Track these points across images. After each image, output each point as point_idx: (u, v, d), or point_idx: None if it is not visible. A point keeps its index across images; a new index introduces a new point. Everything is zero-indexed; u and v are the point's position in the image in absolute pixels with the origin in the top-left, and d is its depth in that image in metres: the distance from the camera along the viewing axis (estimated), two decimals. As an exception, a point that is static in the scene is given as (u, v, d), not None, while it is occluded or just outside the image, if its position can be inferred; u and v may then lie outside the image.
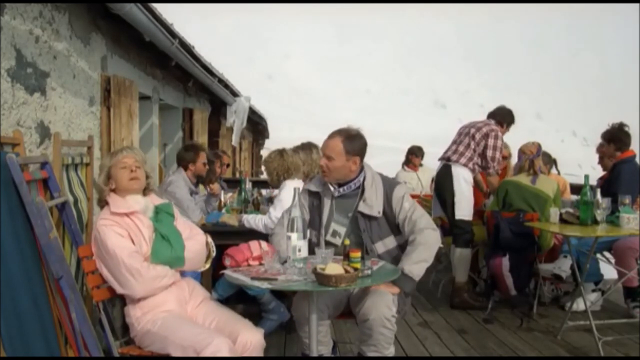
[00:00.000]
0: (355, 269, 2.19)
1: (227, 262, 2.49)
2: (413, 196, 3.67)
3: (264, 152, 14.22)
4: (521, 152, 4.37)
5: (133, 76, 4.60)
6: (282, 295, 3.75)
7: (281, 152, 3.80)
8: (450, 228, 4.59)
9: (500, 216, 4.18)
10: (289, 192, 2.84)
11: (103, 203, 2.55)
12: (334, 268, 2.12)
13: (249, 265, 2.49)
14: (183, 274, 2.59)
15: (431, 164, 6.16)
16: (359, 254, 2.26)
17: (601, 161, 4.34)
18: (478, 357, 3.48)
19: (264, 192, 5.54)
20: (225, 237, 3.45)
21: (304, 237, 2.36)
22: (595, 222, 3.54)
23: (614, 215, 3.55)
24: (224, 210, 4.19)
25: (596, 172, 4.42)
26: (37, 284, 2.48)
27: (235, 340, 2.29)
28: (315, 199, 2.82)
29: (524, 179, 4.23)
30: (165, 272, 2.44)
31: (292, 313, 2.71)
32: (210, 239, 2.70)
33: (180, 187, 4.00)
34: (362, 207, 2.70)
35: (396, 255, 2.70)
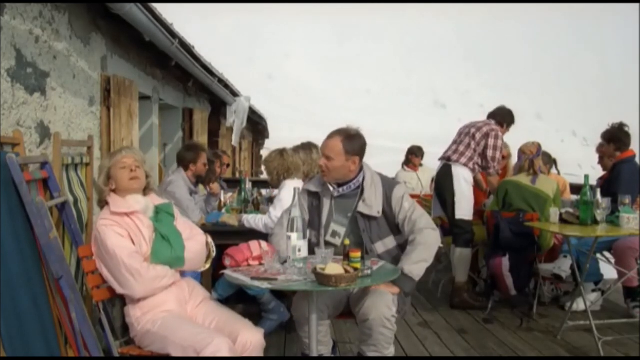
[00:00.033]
0: (355, 269, 2.19)
1: (227, 262, 2.49)
2: (413, 196, 3.67)
3: (264, 152, 14.22)
4: (521, 152, 4.37)
5: (133, 76, 4.60)
6: (282, 295, 3.75)
7: (281, 152, 3.80)
8: (450, 228, 4.59)
9: (500, 216, 4.18)
10: (289, 192, 2.84)
11: (103, 203, 2.55)
12: (334, 268, 2.12)
13: (249, 265, 2.49)
14: (183, 274, 2.59)
15: (431, 164, 6.16)
16: (359, 254, 2.26)
17: (601, 161, 4.35)
18: (478, 357, 3.48)
19: (264, 192, 5.54)
20: (225, 237, 3.45)
21: (304, 237, 2.37)
22: (595, 222, 3.54)
23: (614, 215, 3.55)
24: (224, 210, 4.19)
25: (596, 172, 4.42)
26: (37, 284, 2.48)
27: (235, 340, 2.29)
28: (314, 199, 2.81)
29: (524, 179, 4.23)
30: (165, 272, 2.44)
31: (292, 313, 2.71)
32: (210, 240, 2.70)
33: (180, 187, 4.01)
34: (362, 207, 2.70)
35: (396, 255, 2.70)
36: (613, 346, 3.54)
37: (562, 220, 3.72)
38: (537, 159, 4.26)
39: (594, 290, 4.31)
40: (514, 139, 4.79)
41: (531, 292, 4.39)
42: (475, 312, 4.36)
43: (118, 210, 2.46)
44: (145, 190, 2.61)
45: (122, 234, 2.41)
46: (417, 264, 2.57)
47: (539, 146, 4.35)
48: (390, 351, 2.53)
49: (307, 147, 3.97)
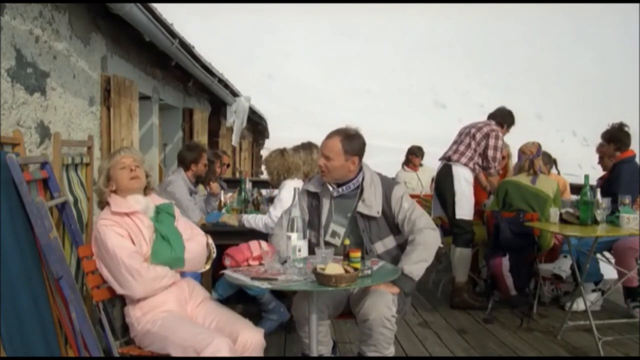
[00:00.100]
0: (355, 269, 2.19)
1: (227, 262, 2.49)
2: (413, 196, 3.67)
3: (264, 152, 14.21)
4: (521, 152, 4.37)
5: (133, 76, 4.60)
6: (282, 295, 3.75)
7: (282, 152, 3.81)
8: (451, 228, 4.59)
9: (500, 216, 4.18)
10: (289, 191, 2.84)
11: (104, 204, 2.55)
12: (334, 268, 2.12)
13: (249, 265, 2.49)
14: (183, 274, 2.59)
15: (431, 164, 6.16)
16: (359, 254, 2.26)
17: (601, 161, 4.35)
18: (478, 357, 3.48)
19: (264, 192, 5.54)
20: (225, 237, 3.45)
21: (304, 237, 2.37)
22: (595, 222, 3.54)
23: (614, 215, 3.55)
24: (224, 210, 4.19)
25: (596, 172, 4.42)
26: (37, 284, 2.48)
27: (235, 340, 2.29)
28: (314, 199, 2.81)
29: (524, 179, 4.23)
30: (165, 272, 2.44)
31: (292, 313, 2.71)
32: (210, 240, 2.70)
33: (180, 186, 4.01)
34: (361, 208, 2.70)
35: (396, 255, 2.70)
36: (613, 346, 3.54)
37: (562, 220, 3.72)
38: (537, 159, 4.26)
39: (594, 290, 4.31)
40: (514, 139, 4.79)
41: (531, 292, 4.38)
42: (475, 312, 4.36)
43: (119, 210, 2.46)
44: (146, 190, 2.61)
45: (122, 234, 2.41)
46: (417, 264, 2.57)
47: (539, 146, 4.35)
48: (390, 351, 2.53)
49: (308, 147, 3.97)
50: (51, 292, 2.56)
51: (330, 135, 2.71)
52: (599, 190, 3.56)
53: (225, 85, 7.27)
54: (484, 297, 4.51)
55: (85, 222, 3.23)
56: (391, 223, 2.73)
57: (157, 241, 2.47)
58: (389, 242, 2.73)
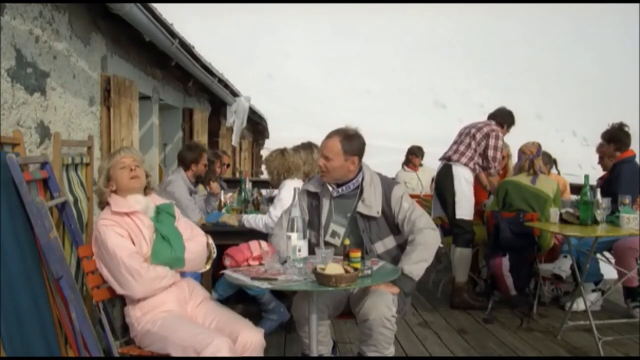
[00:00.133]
0: (355, 269, 2.19)
1: (227, 262, 2.49)
2: (413, 196, 3.67)
3: (264, 152, 14.21)
4: (521, 152, 4.37)
5: (133, 76, 4.60)
6: (282, 295, 3.75)
7: (282, 152, 3.81)
8: (451, 228, 4.59)
9: (500, 216, 4.18)
10: (289, 191, 2.84)
11: (104, 205, 2.55)
12: (334, 268, 2.12)
13: (249, 265, 2.49)
14: (183, 274, 2.59)
15: (431, 164, 6.16)
16: (359, 254, 2.26)
17: (601, 161, 4.35)
18: (478, 357, 3.48)
19: (264, 192, 5.55)
20: (225, 237, 3.44)
21: (304, 237, 2.37)
22: (595, 222, 3.54)
23: (614, 215, 3.55)
24: (224, 210, 4.19)
25: (596, 172, 4.42)
26: (37, 284, 2.48)
27: (235, 340, 2.29)
28: (314, 199, 2.81)
29: (524, 179, 4.23)
30: (165, 272, 2.44)
31: (292, 313, 2.71)
32: (211, 240, 2.70)
33: (180, 186, 4.01)
34: (361, 208, 2.70)
35: (396, 255, 2.70)
36: (613, 346, 3.54)
37: (562, 220, 3.72)
38: (537, 159, 4.26)
39: (594, 290, 4.31)
40: (514, 139, 4.79)
41: (531, 292, 4.38)
42: (475, 312, 4.36)
43: (119, 210, 2.46)
44: (146, 190, 2.61)
45: (122, 234, 2.41)
46: (417, 264, 2.57)
47: (539, 146, 4.35)
48: (390, 351, 2.53)
49: (308, 147, 3.97)
50: (51, 292, 2.56)
51: (329, 136, 2.71)
52: (599, 190, 3.56)
53: (225, 85, 7.27)
54: (484, 297, 4.51)
55: (85, 222, 3.23)
56: (391, 223, 2.72)
57: (157, 241, 2.47)
58: (389, 242, 2.73)
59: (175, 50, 4.68)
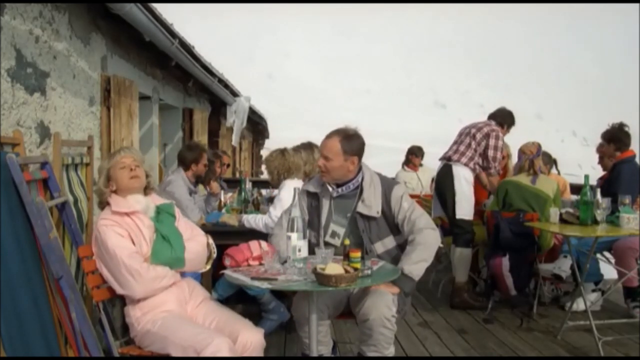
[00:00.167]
0: (355, 269, 2.19)
1: (227, 262, 2.49)
2: (413, 196, 3.66)
3: (264, 152, 14.22)
4: (521, 152, 4.37)
5: (133, 76, 4.60)
6: (282, 295, 3.75)
7: (282, 152, 3.81)
8: (451, 228, 4.59)
9: (500, 216, 4.18)
10: (289, 191, 2.84)
11: (104, 205, 2.55)
12: (334, 268, 2.12)
13: (249, 265, 2.49)
14: (183, 274, 2.59)
15: (431, 164, 6.16)
16: (359, 254, 2.26)
17: (601, 161, 4.35)
18: (478, 357, 3.48)
19: (264, 192, 5.54)
20: (225, 237, 3.44)
21: (304, 237, 2.36)
22: (595, 222, 3.54)
23: (614, 215, 3.54)
24: (224, 210, 4.19)
25: (596, 172, 4.42)
26: (37, 284, 2.48)
27: (235, 340, 2.29)
28: (313, 199, 2.81)
29: (524, 179, 4.23)
30: (165, 272, 2.44)
31: (292, 313, 2.71)
32: (211, 240, 2.70)
33: (179, 186, 4.01)
34: (361, 208, 2.70)
35: (395, 255, 2.70)
36: (613, 346, 3.54)
37: (562, 220, 3.72)
38: (537, 159, 4.26)
39: (594, 290, 4.30)
40: (514, 139, 4.79)
41: (531, 292, 4.38)
42: (475, 312, 4.36)
43: (119, 210, 2.46)
44: (146, 190, 2.62)
45: (123, 234, 2.41)
46: (416, 264, 2.57)
47: (539, 146, 4.35)
48: (390, 351, 2.53)
49: (309, 147, 3.97)
50: (51, 292, 2.56)
51: (329, 136, 2.71)
52: (599, 190, 3.56)
53: (225, 85, 7.27)
54: (484, 297, 4.51)
55: (85, 222, 3.23)
56: (391, 223, 2.72)
57: (157, 241, 2.47)
58: (389, 242, 2.73)
59: (175, 50, 4.68)
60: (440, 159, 4.69)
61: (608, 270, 4.25)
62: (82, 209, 3.20)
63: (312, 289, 2.17)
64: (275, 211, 3.51)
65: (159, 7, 4.06)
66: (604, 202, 3.48)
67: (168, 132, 6.73)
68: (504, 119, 4.69)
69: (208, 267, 2.69)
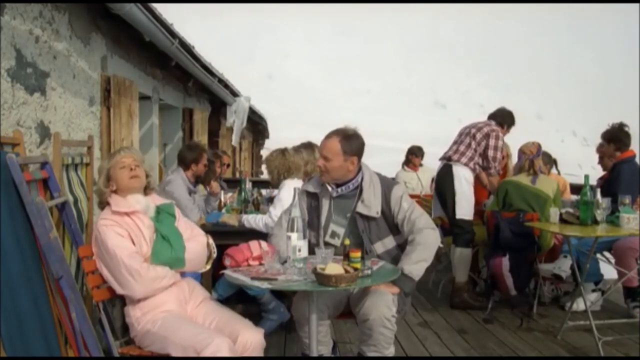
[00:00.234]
0: (355, 269, 2.19)
1: (227, 262, 2.49)
2: (413, 196, 3.67)
3: (264, 152, 14.22)
4: (521, 152, 4.37)
5: (133, 76, 4.60)
6: (282, 295, 3.75)
7: (283, 151, 3.81)
8: (451, 228, 4.59)
9: (500, 216, 4.18)
10: (289, 191, 2.84)
11: (104, 205, 2.55)
12: (334, 268, 2.12)
13: (249, 265, 2.49)
14: (183, 274, 2.59)
15: (431, 164, 6.16)
16: (359, 254, 2.26)
17: (601, 161, 4.35)
18: (478, 357, 3.48)
19: (264, 192, 5.54)
20: (225, 237, 3.44)
21: (304, 237, 2.36)
22: (595, 222, 3.54)
23: (614, 215, 3.54)
24: (224, 210, 4.19)
25: (596, 172, 4.42)
26: (37, 284, 2.48)
27: (235, 340, 2.29)
28: (313, 200, 2.81)
29: (524, 179, 4.23)
30: (165, 272, 2.44)
31: (292, 313, 2.71)
32: (211, 240, 2.70)
33: (179, 186, 4.01)
34: (361, 208, 2.69)
35: (395, 255, 2.70)
36: (613, 346, 3.54)
37: (562, 220, 3.72)
38: (537, 159, 4.26)
39: (594, 290, 4.30)
40: (514, 139, 4.79)
41: (531, 292, 4.38)
42: (475, 312, 4.36)
43: (119, 210, 2.46)
44: (146, 190, 2.62)
45: (123, 234, 2.41)
46: (416, 263, 2.57)
47: (539, 146, 4.35)
48: (390, 351, 2.53)
49: (310, 146, 3.97)
50: (51, 292, 2.56)
51: (328, 136, 2.71)
52: (599, 190, 3.56)
53: (225, 85, 7.27)
54: (484, 297, 4.51)
55: (85, 222, 3.23)
56: (391, 223, 2.72)
57: (157, 241, 2.47)
58: (389, 242, 2.73)
59: (175, 50, 4.68)
60: (440, 159, 4.69)
61: (608, 270, 4.25)
62: (82, 209, 3.20)
63: (312, 289, 2.17)
64: (275, 211, 3.51)
65: (159, 7, 4.06)
66: (604, 202, 3.48)
67: (168, 132, 6.73)
68: (504, 119, 4.70)
69: (208, 267, 2.69)
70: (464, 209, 4.46)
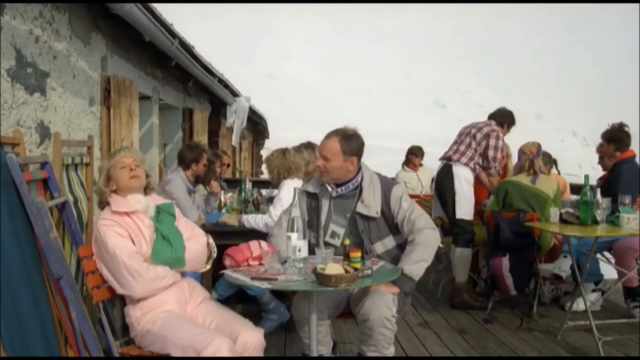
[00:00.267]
0: (355, 269, 2.19)
1: (227, 262, 2.49)
2: (413, 196, 3.66)
3: (264, 152, 14.22)
4: (521, 152, 4.37)
5: (133, 76, 4.60)
6: (282, 295, 3.75)
7: (284, 151, 3.81)
8: (451, 228, 4.59)
9: (500, 216, 4.18)
10: (289, 191, 2.84)
11: (104, 204, 2.55)
12: (334, 268, 2.12)
13: (249, 265, 2.49)
14: (183, 274, 2.59)
15: (431, 164, 6.15)
16: (359, 254, 2.26)
17: (601, 161, 4.35)
18: (478, 357, 3.48)
19: (264, 192, 5.55)
20: (225, 237, 3.44)
21: (304, 237, 2.36)
22: (595, 222, 3.54)
23: (614, 215, 3.54)
24: (224, 210, 4.19)
25: (596, 172, 4.42)
26: (37, 284, 2.48)
27: (235, 340, 2.29)
28: (313, 200, 2.81)
29: (524, 179, 4.23)
30: (165, 272, 2.44)
31: (292, 313, 2.71)
32: (211, 240, 2.70)
33: (178, 185, 4.01)
34: (360, 208, 2.69)
35: (395, 255, 2.70)
36: (613, 346, 3.54)
37: (562, 220, 3.72)
38: (537, 159, 4.26)
39: (594, 290, 4.30)
40: (514, 139, 4.79)
41: (531, 292, 4.38)
42: (475, 312, 4.36)
43: (119, 210, 2.46)
44: (146, 190, 2.62)
45: (123, 234, 2.41)
46: (416, 263, 2.57)
47: (539, 146, 4.35)
48: (390, 351, 2.53)
49: (310, 146, 3.97)
50: (51, 292, 2.56)
51: (328, 136, 2.70)
52: (599, 190, 3.56)
53: (225, 85, 7.27)
54: (484, 297, 4.51)
55: (85, 222, 3.23)
56: (390, 223, 2.72)
57: (157, 241, 2.47)
58: (389, 242, 2.73)
59: (175, 50, 4.68)
60: (440, 159, 4.69)
61: (608, 270, 4.25)
62: (82, 209, 3.20)
63: (312, 289, 2.17)
64: (275, 211, 3.51)
65: (159, 7, 4.06)
66: (604, 202, 3.48)
67: (168, 132, 6.73)
68: (504, 118, 4.70)
69: (208, 266, 2.69)
70: (464, 209, 4.46)
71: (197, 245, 2.59)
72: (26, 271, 2.40)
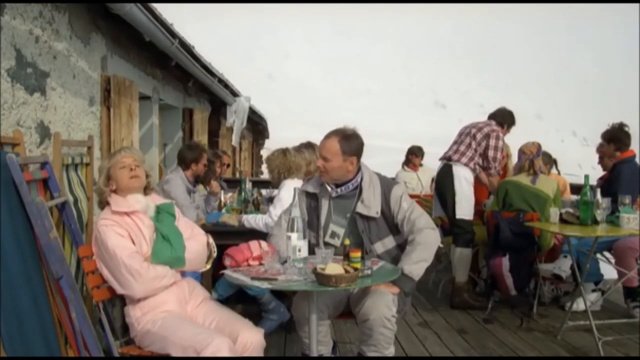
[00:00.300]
0: (355, 269, 2.19)
1: (227, 262, 2.49)
2: (413, 196, 3.66)
3: (264, 152, 14.22)
4: (521, 152, 4.37)
5: (133, 76, 4.60)
6: (282, 295, 3.75)
7: (284, 151, 3.81)
8: (451, 228, 4.59)
9: (500, 216, 4.18)
10: (289, 191, 2.84)
11: (104, 204, 2.56)
12: (334, 268, 2.12)
13: (249, 265, 2.49)
14: (183, 274, 2.59)
15: (431, 164, 6.15)
16: (358, 254, 2.26)
17: (601, 161, 4.35)
18: (478, 357, 3.48)
19: (264, 192, 5.55)
20: (225, 237, 3.44)
21: (304, 237, 2.36)
22: (595, 222, 3.54)
23: (614, 215, 3.54)
24: (224, 210, 4.19)
25: (596, 172, 4.42)
26: (37, 284, 2.48)
27: (235, 340, 2.29)
28: (312, 200, 2.81)
29: (524, 179, 4.23)
30: (165, 272, 2.44)
31: (292, 313, 2.71)
32: (211, 240, 2.70)
33: (177, 185, 4.01)
34: (360, 208, 2.69)
35: (395, 255, 2.70)
36: (613, 346, 3.54)
37: (562, 220, 3.72)
38: (537, 159, 4.26)
39: (594, 290, 4.30)
40: (514, 139, 4.79)
41: (531, 292, 4.38)
42: (475, 312, 4.36)
43: (119, 209, 2.46)
44: (146, 190, 2.62)
45: (123, 234, 2.41)
46: (416, 263, 2.57)
47: (539, 146, 4.35)
48: (390, 351, 2.53)
49: (311, 146, 3.97)
50: (51, 292, 2.56)
51: (328, 136, 2.70)
52: (599, 190, 3.56)
53: (225, 85, 7.27)
54: (484, 297, 4.51)
55: (85, 222, 3.23)
56: (390, 223, 2.72)
57: (157, 241, 2.47)
58: (389, 242, 2.73)
59: (175, 50, 4.68)
60: (440, 159, 4.69)
61: (608, 270, 4.25)
62: (82, 209, 3.20)
63: (312, 289, 2.17)
64: (275, 211, 3.51)
65: (159, 7, 4.06)
66: (604, 202, 3.48)
67: (168, 132, 6.73)
68: (504, 118, 4.70)
69: (208, 266, 2.69)
70: (464, 209, 4.46)
71: (197, 245, 2.59)
72: (26, 271, 2.40)
